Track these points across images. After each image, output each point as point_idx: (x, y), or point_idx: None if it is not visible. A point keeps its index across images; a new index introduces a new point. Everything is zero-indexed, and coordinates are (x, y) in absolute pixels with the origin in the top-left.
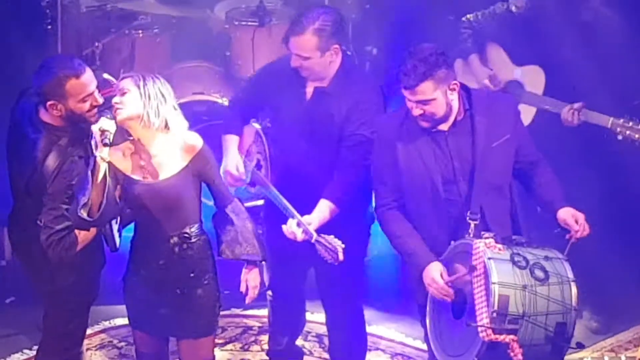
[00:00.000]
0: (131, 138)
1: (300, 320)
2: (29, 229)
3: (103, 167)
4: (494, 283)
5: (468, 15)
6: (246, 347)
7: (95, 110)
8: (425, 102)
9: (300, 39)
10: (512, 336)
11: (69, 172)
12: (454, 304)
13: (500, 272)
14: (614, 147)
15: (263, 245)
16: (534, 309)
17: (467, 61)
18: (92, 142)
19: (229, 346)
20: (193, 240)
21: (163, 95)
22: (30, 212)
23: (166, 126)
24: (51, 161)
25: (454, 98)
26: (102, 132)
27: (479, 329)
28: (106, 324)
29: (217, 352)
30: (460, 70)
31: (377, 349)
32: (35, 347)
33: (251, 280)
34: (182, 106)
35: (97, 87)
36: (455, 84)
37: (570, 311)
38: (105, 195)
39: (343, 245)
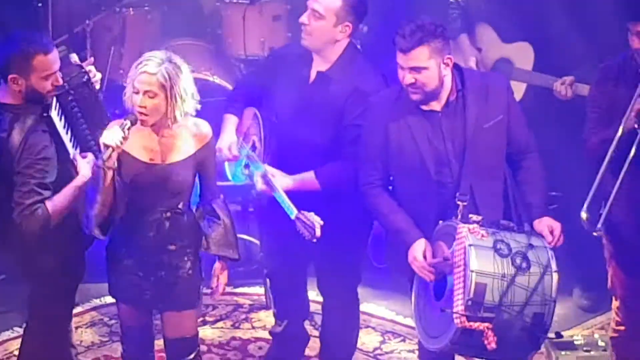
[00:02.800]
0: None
1: (301, 303)
2: (5, 212)
3: (109, 175)
4: (472, 271)
5: None
6: (237, 324)
7: (54, 91)
8: (417, 70)
9: None
10: (487, 324)
11: (34, 146)
12: (437, 284)
13: (480, 260)
14: None
15: (236, 238)
16: (512, 298)
17: (456, 41)
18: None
19: (220, 324)
20: (184, 215)
21: (186, 92)
22: (4, 195)
23: (179, 119)
24: (15, 138)
25: (446, 74)
26: (106, 146)
27: (454, 315)
28: (97, 301)
29: (208, 329)
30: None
31: (368, 326)
32: None
33: (223, 278)
34: None
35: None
36: (449, 58)
37: (550, 302)
38: (114, 201)
39: (322, 222)
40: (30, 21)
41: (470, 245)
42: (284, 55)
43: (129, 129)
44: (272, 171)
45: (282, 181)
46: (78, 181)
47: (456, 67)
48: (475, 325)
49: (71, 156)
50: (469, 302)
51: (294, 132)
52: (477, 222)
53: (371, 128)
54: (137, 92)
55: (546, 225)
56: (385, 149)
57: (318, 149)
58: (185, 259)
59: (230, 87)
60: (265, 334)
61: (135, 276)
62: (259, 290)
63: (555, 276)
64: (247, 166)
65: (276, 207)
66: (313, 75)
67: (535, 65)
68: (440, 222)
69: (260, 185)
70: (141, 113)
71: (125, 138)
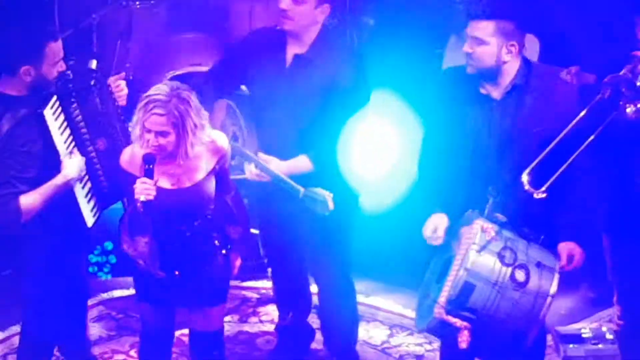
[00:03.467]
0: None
1: (302, 294)
2: None
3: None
4: (465, 269)
5: None
6: (244, 318)
7: (58, 77)
8: (478, 41)
9: None
10: (465, 323)
11: (19, 138)
12: (443, 267)
13: (478, 261)
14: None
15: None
16: (496, 308)
17: (459, 35)
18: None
19: (227, 318)
20: (211, 221)
21: (196, 126)
22: None
23: (195, 148)
24: (3, 127)
25: (508, 60)
26: (145, 158)
27: (435, 304)
28: (104, 295)
29: None
30: (453, 45)
31: (375, 320)
32: None
33: (237, 265)
34: (180, 77)
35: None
36: (514, 45)
37: (534, 324)
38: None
39: (331, 194)
40: (37, 15)
41: (473, 243)
42: (253, 41)
43: (152, 170)
44: (265, 158)
45: (277, 166)
46: (57, 180)
47: (526, 61)
48: (453, 320)
49: (61, 157)
50: (453, 297)
51: (278, 117)
52: (500, 223)
53: (436, 101)
54: (149, 132)
55: (567, 249)
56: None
57: (304, 131)
58: (215, 258)
59: None
60: (272, 328)
61: (163, 279)
62: (266, 284)
63: (548, 300)
64: (232, 157)
65: (268, 199)
66: (290, 58)
67: (540, 56)
68: (469, 211)
69: (250, 174)
70: (155, 151)
71: (155, 182)
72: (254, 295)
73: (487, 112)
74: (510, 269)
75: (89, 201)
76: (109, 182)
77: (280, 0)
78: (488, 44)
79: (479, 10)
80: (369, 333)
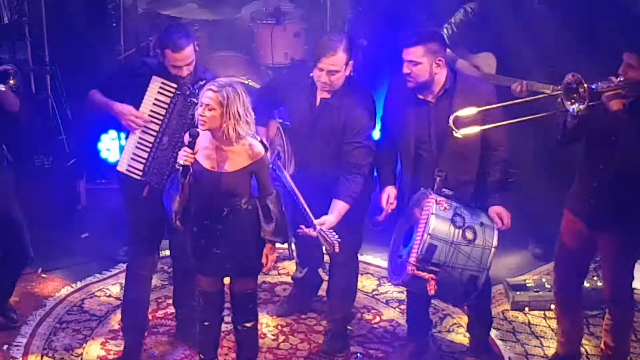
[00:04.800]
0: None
1: (318, 255)
2: None
3: (186, 181)
4: (428, 234)
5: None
6: (266, 272)
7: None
8: (413, 63)
9: (334, 57)
10: (432, 275)
11: (133, 75)
12: (407, 232)
13: (437, 227)
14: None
15: (287, 229)
16: (455, 261)
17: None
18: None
19: None
20: (243, 208)
21: (239, 115)
22: None
23: (238, 137)
24: (137, 64)
25: (438, 72)
26: (190, 135)
27: (407, 263)
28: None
29: None
30: None
31: (367, 273)
32: (105, 272)
33: (272, 256)
34: None
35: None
36: (441, 60)
37: (484, 270)
38: (187, 199)
39: (339, 240)
40: (107, 37)
41: (432, 213)
42: (292, 81)
43: (194, 143)
44: (325, 219)
45: (329, 222)
46: (113, 105)
47: (453, 71)
48: (422, 274)
49: (140, 108)
50: (420, 257)
51: (307, 144)
52: (447, 196)
53: (388, 102)
54: (202, 105)
55: (495, 212)
56: (390, 122)
57: (326, 156)
58: (249, 240)
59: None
60: (288, 279)
61: (216, 255)
62: (283, 246)
63: (493, 251)
64: (273, 170)
65: (290, 191)
66: (318, 100)
67: (497, 70)
68: (422, 188)
69: (313, 233)
70: (200, 122)
71: (194, 152)
72: None
73: (425, 112)
74: (461, 230)
75: (132, 156)
76: (151, 166)
77: (319, 75)
78: (422, 63)
79: (410, 39)
80: (362, 283)
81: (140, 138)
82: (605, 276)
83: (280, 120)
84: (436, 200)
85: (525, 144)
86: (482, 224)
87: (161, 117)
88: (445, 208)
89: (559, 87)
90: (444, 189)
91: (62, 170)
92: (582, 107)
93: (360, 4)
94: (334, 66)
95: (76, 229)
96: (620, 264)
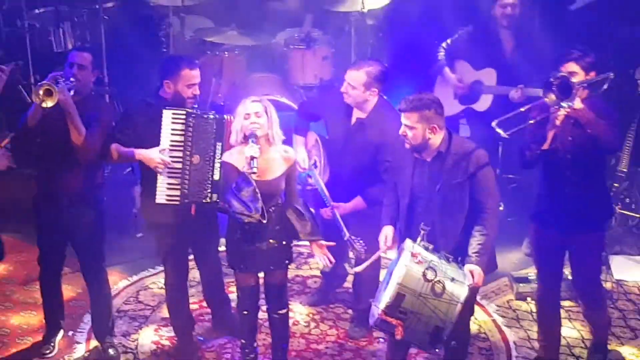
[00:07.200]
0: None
1: (344, 251)
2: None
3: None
4: (398, 283)
5: (445, 42)
6: (299, 266)
7: (193, 98)
8: (409, 127)
9: (355, 72)
10: (399, 321)
11: (144, 116)
12: (387, 279)
13: (407, 277)
14: None
15: (319, 227)
16: (421, 311)
17: (442, 73)
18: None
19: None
20: (281, 208)
21: (276, 121)
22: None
23: (279, 139)
24: (142, 106)
25: (431, 137)
26: (251, 157)
27: (378, 309)
28: None
29: None
30: (439, 79)
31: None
32: (157, 267)
33: (323, 252)
34: None
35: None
36: (434, 127)
37: (448, 323)
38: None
39: (365, 247)
40: (159, 61)
41: (405, 265)
42: (331, 98)
43: (257, 143)
44: (337, 204)
45: (343, 208)
46: (133, 152)
47: (450, 134)
48: (390, 319)
49: (158, 148)
50: (389, 303)
51: (342, 158)
52: (427, 249)
53: (401, 160)
54: (249, 117)
55: (469, 270)
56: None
57: (357, 169)
58: (284, 235)
59: (293, 105)
60: (318, 273)
61: (255, 250)
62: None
63: (459, 307)
64: (309, 176)
65: (320, 195)
66: (354, 120)
67: (497, 82)
68: (407, 239)
69: (329, 214)
70: (255, 128)
71: (260, 149)
72: (305, 251)
73: (422, 169)
74: (430, 284)
75: (167, 187)
76: (190, 186)
77: (344, 85)
78: (416, 128)
79: (407, 106)
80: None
81: (169, 169)
82: (577, 272)
83: (317, 135)
84: (412, 253)
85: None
86: (453, 279)
87: (182, 143)
88: (419, 261)
89: (553, 86)
90: (424, 242)
91: (119, 178)
92: (574, 101)
93: (381, 30)
94: (353, 81)
95: (132, 230)
96: (590, 260)
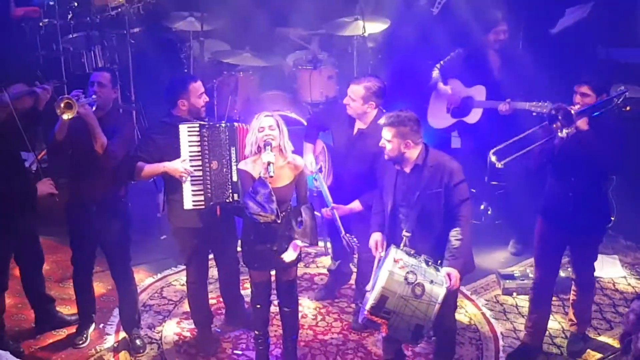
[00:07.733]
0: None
1: (347, 253)
2: None
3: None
4: (382, 287)
5: (439, 63)
6: (307, 265)
7: (204, 105)
8: (387, 141)
9: (355, 86)
10: (383, 320)
11: (162, 133)
12: (374, 282)
13: (390, 281)
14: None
15: (316, 233)
16: (403, 311)
17: (436, 89)
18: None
19: None
20: (290, 212)
21: (285, 132)
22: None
23: (290, 150)
24: (160, 125)
25: (406, 151)
26: (268, 163)
27: (364, 309)
28: None
29: None
30: (433, 95)
31: None
32: (179, 266)
33: (292, 254)
34: None
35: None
36: (408, 142)
37: (428, 321)
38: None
39: (359, 245)
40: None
41: (388, 270)
42: (337, 111)
43: (272, 150)
44: (337, 206)
45: (342, 210)
46: (160, 167)
47: (426, 148)
48: (375, 318)
49: (180, 160)
50: (374, 304)
51: (345, 165)
52: (409, 254)
53: (383, 170)
54: (263, 129)
55: (446, 272)
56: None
57: (359, 177)
58: (292, 237)
59: (302, 120)
60: (324, 271)
61: (267, 250)
62: (320, 244)
63: (437, 307)
64: (315, 179)
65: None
66: (355, 130)
67: (487, 97)
68: (392, 245)
69: (328, 213)
70: (269, 140)
71: (275, 156)
72: (313, 250)
73: (402, 180)
74: (411, 286)
75: (192, 194)
76: (213, 189)
77: (346, 97)
78: (391, 142)
79: (386, 121)
80: None
81: (192, 177)
82: (575, 263)
83: (324, 145)
84: (394, 259)
85: (514, 161)
86: (432, 281)
87: (199, 152)
88: (401, 266)
89: (533, 103)
90: (406, 248)
91: (143, 186)
92: (570, 129)
93: (380, 52)
94: (353, 94)
95: (156, 232)
96: (589, 252)
